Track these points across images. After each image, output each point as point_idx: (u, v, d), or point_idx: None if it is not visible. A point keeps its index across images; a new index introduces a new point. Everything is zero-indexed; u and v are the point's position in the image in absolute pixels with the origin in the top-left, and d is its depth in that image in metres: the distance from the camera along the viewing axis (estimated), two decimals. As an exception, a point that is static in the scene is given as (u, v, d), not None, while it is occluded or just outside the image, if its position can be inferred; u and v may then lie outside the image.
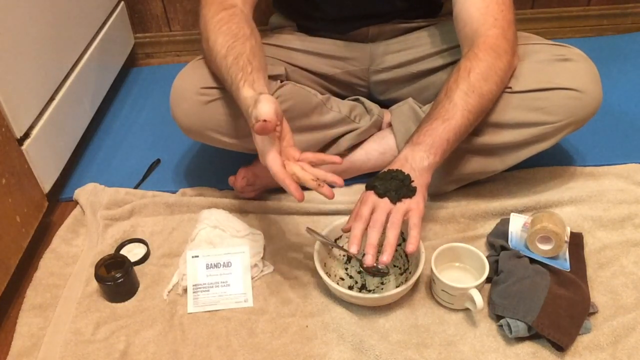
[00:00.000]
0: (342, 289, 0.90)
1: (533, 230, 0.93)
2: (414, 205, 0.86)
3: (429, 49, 1.13)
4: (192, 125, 1.03)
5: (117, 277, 0.95)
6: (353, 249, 0.84)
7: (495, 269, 0.94)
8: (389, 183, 0.87)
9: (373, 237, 0.84)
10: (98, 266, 0.97)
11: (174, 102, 1.03)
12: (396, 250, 0.98)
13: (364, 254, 0.84)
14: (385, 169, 0.90)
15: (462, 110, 0.90)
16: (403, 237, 0.95)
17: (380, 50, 1.16)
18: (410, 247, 0.84)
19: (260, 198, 1.15)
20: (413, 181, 0.87)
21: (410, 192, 0.87)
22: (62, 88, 1.20)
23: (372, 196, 0.88)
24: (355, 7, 1.10)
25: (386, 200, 0.86)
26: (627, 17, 1.64)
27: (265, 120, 0.77)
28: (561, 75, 0.97)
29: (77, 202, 1.17)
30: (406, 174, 0.88)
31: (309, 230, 0.97)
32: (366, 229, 0.85)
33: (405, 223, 0.86)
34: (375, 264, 0.84)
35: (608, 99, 1.18)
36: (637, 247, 1.00)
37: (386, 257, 0.82)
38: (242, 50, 0.90)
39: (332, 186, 0.83)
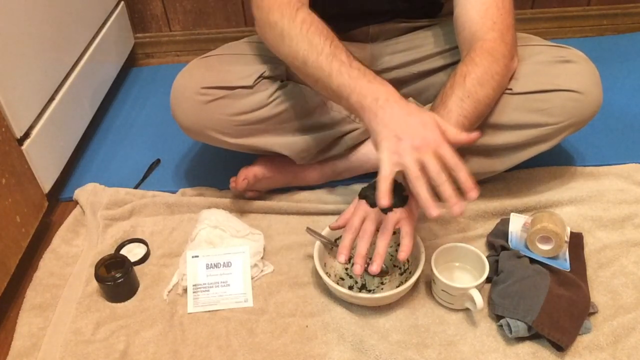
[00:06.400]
0: (342, 289, 0.90)
1: (533, 230, 0.93)
2: (406, 214, 0.87)
3: (430, 49, 1.13)
4: (192, 125, 1.03)
5: (117, 277, 0.95)
6: (341, 259, 0.86)
7: (495, 269, 0.94)
8: None
9: (362, 247, 0.85)
10: (98, 266, 0.97)
11: (175, 101, 1.03)
12: (396, 251, 0.98)
13: (352, 264, 0.85)
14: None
15: (457, 116, 0.90)
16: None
17: (381, 51, 1.16)
18: (401, 254, 0.85)
19: (260, 198, 1.15)
20: (405, 190, 0.88)
21: (402, 201, 0.87)
22: (62, 88, 1.20)
23: (363, 206, 0.88)
24: (356, 5, 1.10)
25: (377, 210, 0.87)
26: (627, 17, 1.64)
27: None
28: (561, 77, 0.97)
29: (77, 202, 1.17)
30: (399, 182, 0.88)
31: (309, 230, 0.97)
32: (356, 238, 0.86)
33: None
34: (365, 271, 0.85)
35: (608, 99, 1.18)
36: (637, 247, 1.00)
37: (375, 267, 0.84)
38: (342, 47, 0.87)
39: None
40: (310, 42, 0.86)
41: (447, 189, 0.76)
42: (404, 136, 0.78)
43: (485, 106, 0.94)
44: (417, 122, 0.79)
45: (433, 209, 0.75)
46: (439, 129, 0.79)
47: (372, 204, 0.87)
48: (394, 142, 0.78)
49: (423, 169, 0.76)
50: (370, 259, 0.85)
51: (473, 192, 0.77)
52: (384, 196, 0.77)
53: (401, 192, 0.87)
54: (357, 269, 0.84)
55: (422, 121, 0.79)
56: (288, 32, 0.88)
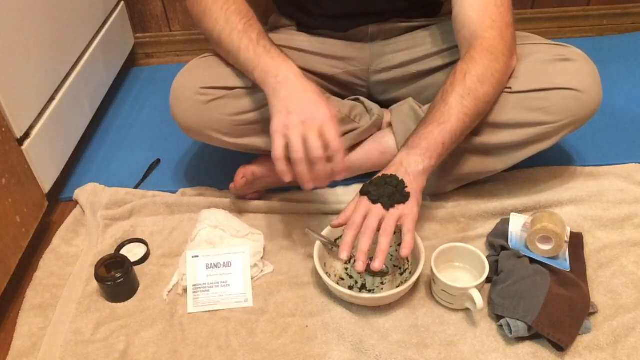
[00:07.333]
0: (342, 289, 0.90)
1: (533, 230, 0.93)
2: (408, 210, 0.87)
3: (429, 48, 1.13)
4: (192, 125, 1.03)
5: (117, 277, 0.95)
6: (343, 256, 0.85)
7: (495, 269, 0.94)
8: (383, 189, 0.87)
9: (364, 243, 0.84)
10: (98, 266, 0.97)
11: (174, 101, 1.03)
12: (396, 251, 0.98)
13: (353, 262, 0.85)
14: (380, 174, 0.91)
15: (457, 113, 0.91)
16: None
17: (380, 50, 1.16)
18: (404, 251, 0.84)
19: (260, 198, 1.15)
20: (407, 186, 0.88)
21: (404, 197, 0.87)
22: (62, 88, 1.20)
23: (365, 202, 0.88)
24: (355, 4, 1.10)
25: (379, 206, 0.87)
26: (627, 17, 1.64)
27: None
28: (561, 75, 0.97)
29: (77, 202, 1.17)
30: (400, 179, 0.88)
31: (309, 230, 0.97)
32: (358, 235, 0.86)
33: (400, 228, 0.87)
34: (366, 270, 0.84)
35: (608, 98, 1.18)
36: (637, 247, 1.00)
37: (377, 264, 0.83)
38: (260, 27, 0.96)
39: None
40: (227, 19, 0.95)
41: (320, 168, 0.85)
42: (294, 110, 0.85)
43: (485, 104, 0.94)
44: (309, 99, 0.86)
45: (307, 183, 0.86)
46: (329, 109, 0.86)
47: (374, 200, 0.87)
48: (284, 116, 0.85)
49: (305, 143, 0.84)
50: (372, 257, 0.85)
51: (340, 175, 0.86)
52: (282, 173, 0.87)
53: (403, 189, 0.87)
54: (360, 265, 0.84)
55: (313, 99, 0.87)
56: (210, 9, 0.97)
